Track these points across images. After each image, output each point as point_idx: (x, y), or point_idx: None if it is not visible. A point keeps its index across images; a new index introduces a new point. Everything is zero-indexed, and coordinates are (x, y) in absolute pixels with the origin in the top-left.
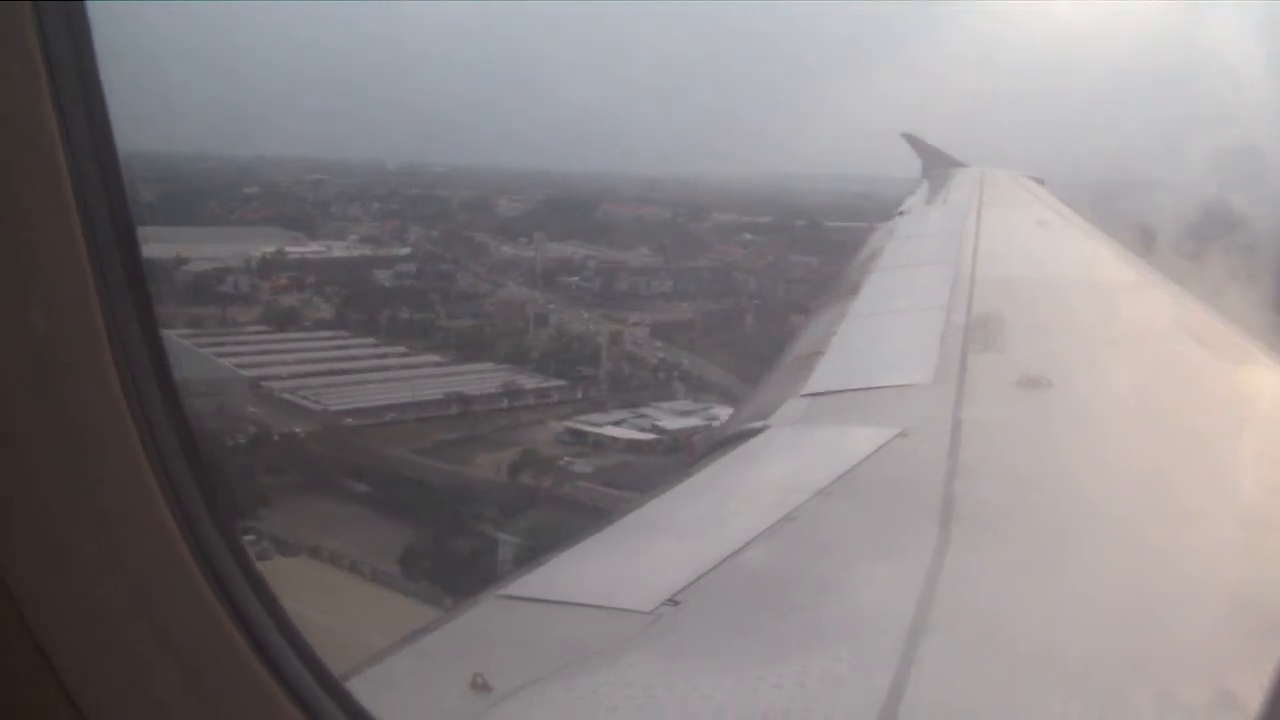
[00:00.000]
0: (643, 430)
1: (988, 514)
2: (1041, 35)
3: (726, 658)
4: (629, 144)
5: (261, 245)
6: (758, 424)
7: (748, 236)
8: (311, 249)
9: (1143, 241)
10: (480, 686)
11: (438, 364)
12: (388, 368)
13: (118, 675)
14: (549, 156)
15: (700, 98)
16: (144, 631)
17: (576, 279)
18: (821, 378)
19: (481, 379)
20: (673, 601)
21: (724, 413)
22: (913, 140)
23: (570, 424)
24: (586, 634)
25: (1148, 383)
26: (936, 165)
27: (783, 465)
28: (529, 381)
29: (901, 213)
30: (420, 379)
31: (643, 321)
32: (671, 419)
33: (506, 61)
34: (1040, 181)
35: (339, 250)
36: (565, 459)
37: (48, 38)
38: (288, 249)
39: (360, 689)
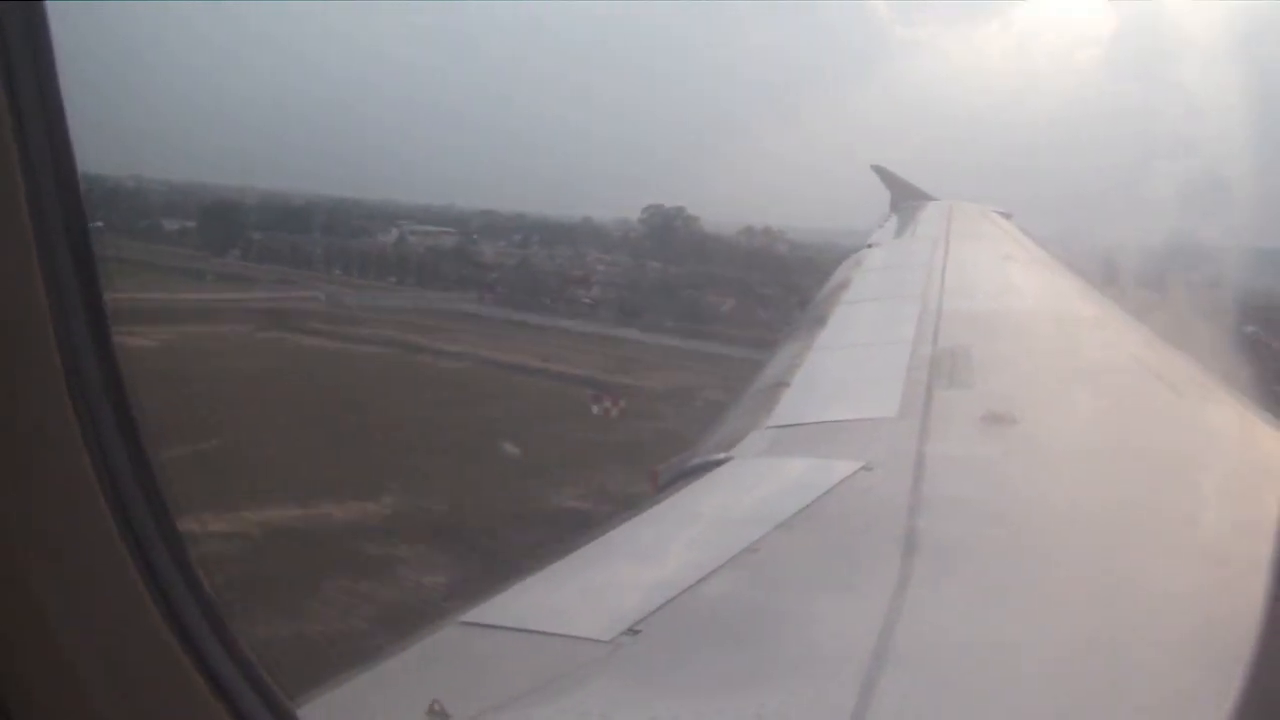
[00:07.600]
0: None
1: (950, 549)
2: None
3: (685, 688)
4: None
5: None
6: (721, 455)
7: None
8: None
9: (1108, 275)
10: (437, 714)
11: None
12: None
13: (59, 695)
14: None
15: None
16: (90, 651)
17: None
18: (786, 410)
19: None
20: (632, 631)
21: None
22: (882, 172)
23: None
24: (545, 662)
25: (1111, 420)
26: (905, 198)
27: (746, 497)
28: None
29: (871, 245)
30: None
31: None
32: None
33: None
34: (1008, 216)
35: None
36: None
37: (5, 37)
38: None
39: (315, 716)
